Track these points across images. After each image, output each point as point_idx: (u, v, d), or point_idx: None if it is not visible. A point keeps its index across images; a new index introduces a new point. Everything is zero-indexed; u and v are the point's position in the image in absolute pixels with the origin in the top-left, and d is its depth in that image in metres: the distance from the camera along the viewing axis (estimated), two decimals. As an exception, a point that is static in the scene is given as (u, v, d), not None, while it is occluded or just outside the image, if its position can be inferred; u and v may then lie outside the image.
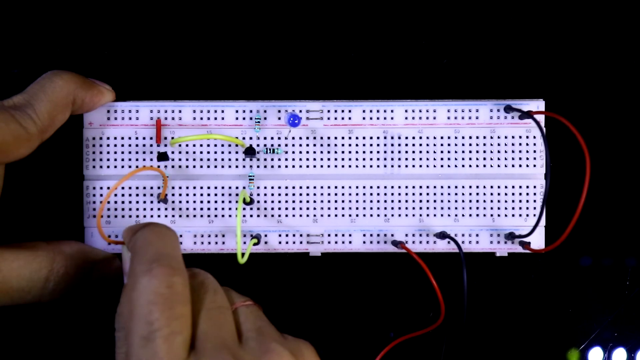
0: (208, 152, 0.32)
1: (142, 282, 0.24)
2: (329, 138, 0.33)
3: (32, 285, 0.28)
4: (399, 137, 0.33)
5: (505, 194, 0.33)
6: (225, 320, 0.25)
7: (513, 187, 0.33)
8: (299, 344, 0.26)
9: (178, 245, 0.26)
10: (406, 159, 0.33)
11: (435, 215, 0.33)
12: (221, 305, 0.26)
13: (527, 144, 0.33)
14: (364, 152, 0.33)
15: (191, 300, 0.25)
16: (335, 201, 0.33)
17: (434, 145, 0.33)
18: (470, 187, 0.33)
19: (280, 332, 0.27)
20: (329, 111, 0.33)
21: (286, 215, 0.33)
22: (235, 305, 0.27)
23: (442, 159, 0.33)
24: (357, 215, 0.33)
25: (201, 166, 0.32)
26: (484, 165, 0.33)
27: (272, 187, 0.33)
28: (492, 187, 0.33)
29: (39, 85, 0.29)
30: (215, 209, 0.32)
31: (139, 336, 0.23)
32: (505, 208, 0.33)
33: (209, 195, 0.32)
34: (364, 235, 0.33)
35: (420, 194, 0.33)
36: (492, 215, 0.33)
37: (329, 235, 0.33)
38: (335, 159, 0.33)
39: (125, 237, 0.27)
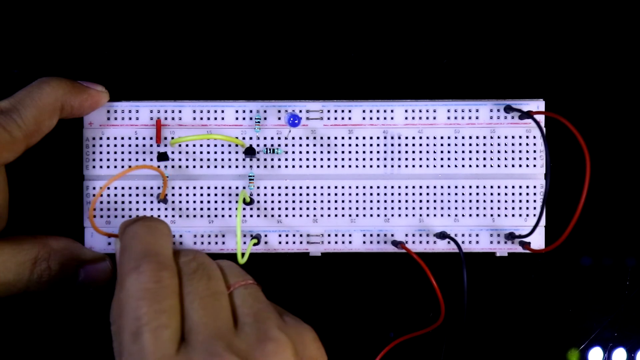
0: (208, 152, 0.32)
1: (130, 279, 0.24)
2: (329, 138, 0.33)
3: (18, 279, 0.28)
4: (399, 137, 0.33)
5: (505, 194, 0.33)
6: (219, 307, 0.24)
7: (513, 187, 0.33)
8: (300, 329, 0.25)
9: (168, 238, 0.26)
10: (406, 159, 0.33)
11: (435, 215, 0.33)
12: (216, 291, 0.25)
13: (527, 144, 0.33)
14: (364, 152, 0.33)
15: (184, 291, 0.24)
16: (335, 201, 0.33)
17: (434, 145, 0.33)
18: (470, 187, 0.33)
19: (283, 311, 0.26)
20: (329, 111, 0.33)
21: (286, 215, 0.33)
22: (232, 287, 0.26)
23: (442, 159, 0.33)
24: (357, 215, 0.33)
25: (201, 166, 0.32)
26: (484, 165, 0.33)
27: (272, 187, 0.33)
28: (492, 187, 0.33)
29: (26, 92, 0.29)
30: (215, 209, 0.32)
31: (128, 332, 0.23)
32: (505, 208, 0.33)
33: (209, 195, 0.32)
34: (364, 235, 0.33)
35: (420, 194, 0.33)
36: (492, 215, 0.33)
37: (329, 235, 0.33)
38: (335, 159, 0.33)
39: (120, 232, 0.27)
